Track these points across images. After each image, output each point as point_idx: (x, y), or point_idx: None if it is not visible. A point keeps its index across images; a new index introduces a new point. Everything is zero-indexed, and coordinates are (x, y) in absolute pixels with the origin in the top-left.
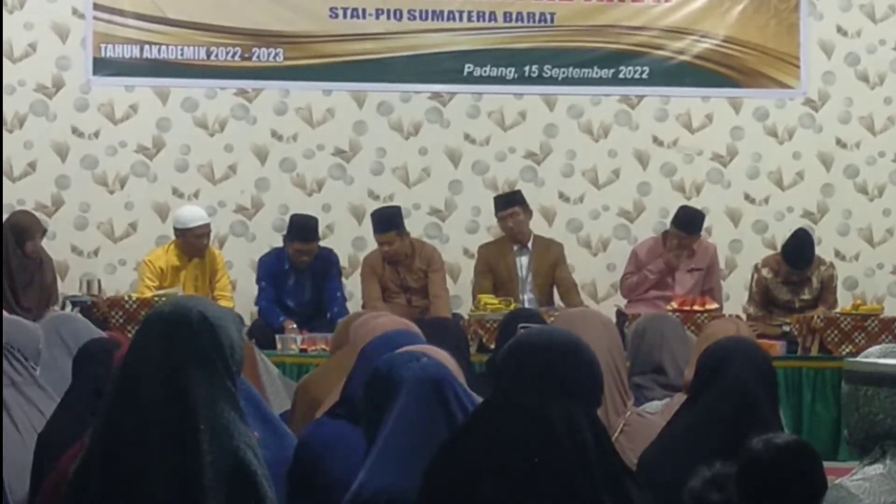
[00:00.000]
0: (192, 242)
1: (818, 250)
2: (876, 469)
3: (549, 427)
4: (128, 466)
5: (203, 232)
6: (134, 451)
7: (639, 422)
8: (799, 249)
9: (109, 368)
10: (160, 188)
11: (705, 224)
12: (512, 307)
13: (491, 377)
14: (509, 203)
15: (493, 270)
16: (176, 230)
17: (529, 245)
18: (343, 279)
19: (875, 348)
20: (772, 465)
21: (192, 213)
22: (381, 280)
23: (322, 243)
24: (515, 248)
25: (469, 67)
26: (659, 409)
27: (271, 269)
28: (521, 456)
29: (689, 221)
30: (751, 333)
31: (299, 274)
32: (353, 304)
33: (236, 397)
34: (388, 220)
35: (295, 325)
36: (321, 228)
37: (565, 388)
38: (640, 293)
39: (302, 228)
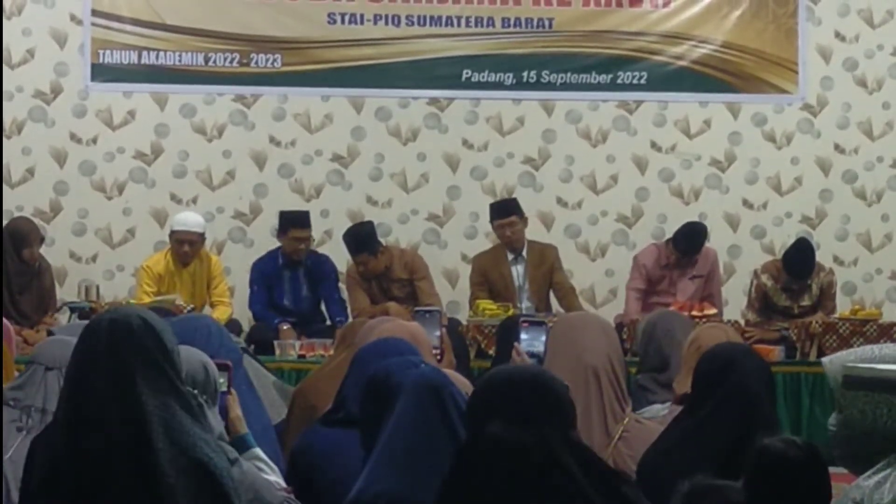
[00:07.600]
0: (173, 246)
1: (816, 256)
2: (879, 474)
3: (525, 457)
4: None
5: (185, 238)
6: (91, 453)
7: (637, 428)
8: (800, 259)
9: None
10: (158, 194)
11: None
12: (510, 312)
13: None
14: (507, 212)
15: (488, 280)
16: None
17: (524, 252)
18: (340, 285)
19: (873, 348)
20: (795, 464)
21: (182, 217)
22: (367, 291)
23: (320, 249)
24: (510, 256)
25: (467, 73)
26: (660, 416)
27: (264, 272)
28: (507, 492)
29: (687, 246)
30: (740, 341)
31: (294, 272)
32: None
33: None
34: (358, 243)
35: (289, 327)
36: (319, 234)
37: (533, 416)
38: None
39: (295, 216)
